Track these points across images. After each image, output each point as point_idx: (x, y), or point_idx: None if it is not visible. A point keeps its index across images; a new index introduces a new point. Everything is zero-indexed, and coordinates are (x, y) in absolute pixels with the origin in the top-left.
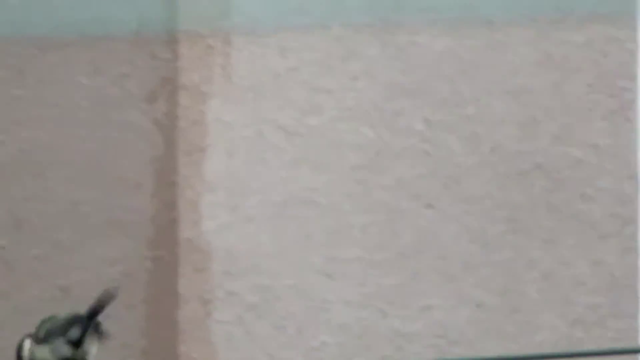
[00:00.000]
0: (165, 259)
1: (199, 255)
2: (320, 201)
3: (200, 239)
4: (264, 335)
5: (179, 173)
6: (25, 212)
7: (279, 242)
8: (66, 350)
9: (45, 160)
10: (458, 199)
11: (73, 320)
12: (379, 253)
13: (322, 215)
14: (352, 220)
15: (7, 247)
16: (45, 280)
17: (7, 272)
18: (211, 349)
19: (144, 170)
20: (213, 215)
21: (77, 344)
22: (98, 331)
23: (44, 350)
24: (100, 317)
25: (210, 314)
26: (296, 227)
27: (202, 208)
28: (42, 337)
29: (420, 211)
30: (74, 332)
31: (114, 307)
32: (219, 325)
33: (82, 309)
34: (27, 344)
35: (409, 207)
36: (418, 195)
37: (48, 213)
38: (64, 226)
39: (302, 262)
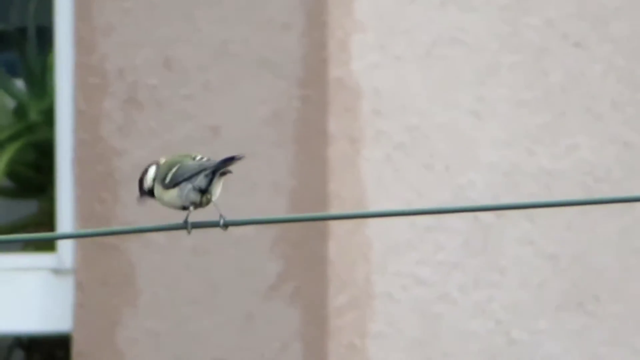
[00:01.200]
0: (315, 98)
1: (348, 95)
2: (468, 41)
3: (349, 78)
4: (412, 174)
5: (329, 13)
6: (176, 52)
7: (428, 82)
8: (194, 196)
9: (195, 0)
10: (606, 39)
11: (200, 170)
12: (527, 92)
13: (470, 55)
14: (501, 59)
15: (157, 87)
16: (195, 120)
17: (157, 111)
18: (360, 187)
19: (294, 10)
20: (362, 54)
21: (203, 191)
22: (224, 174)
23: (172, 193)
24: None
25: (359, 153)
26: (444, 66)
27: (351, 48)
28: (169, 182)
29: (568, 50)
30: (202, 182)
31: (263, 145)
32: (367, 164)
33: (231, 149)
34: (152, 171)
35: (557, 47)
36: (566, 34)
37: (198, 53)
38: (214, 66)
39: (451, 101)
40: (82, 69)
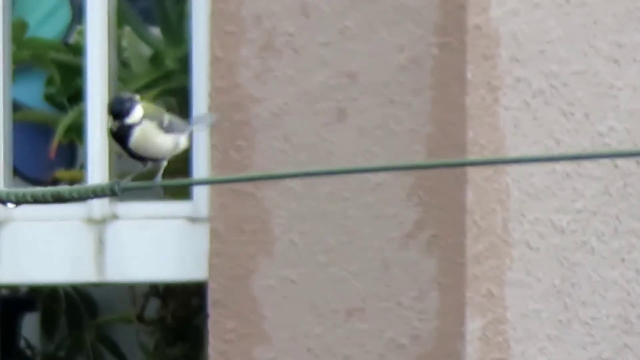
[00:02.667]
0: (453, 45)
1: (486, 42)
2: None
3: (488, 25)
4: (550, 121)
5: None
6: None
7: (566, 28)
8: (175, 150)
9: None
10: None
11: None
12: None
13: (609, 1)
14: None
15: (294, 34)
16: (332, 67)
17: (295, 58)
18: (498, 134)
19: None
20: (501, 1)
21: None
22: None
23: (167, 139)
24: None
25: (497, 100)
26: (583, 13)
27: None
28: (168, 127)
29: None
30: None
31: (400, 93)
32: (506, 112)
33: (368, 96)
34: (140, 109)
35: None
36: None
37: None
38: (351, 13)
39: (590, 47)
40: (219, 16)
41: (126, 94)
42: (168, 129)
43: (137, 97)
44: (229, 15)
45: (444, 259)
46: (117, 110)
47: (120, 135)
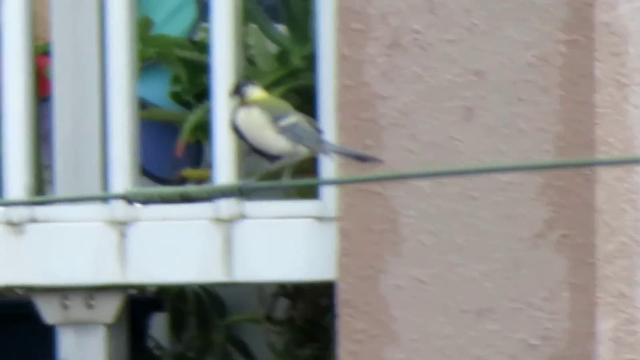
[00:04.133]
0: (581, 43)
1: (615, 39)
2: None
3: (616, 22)
4: None
5: None
6: None
7: None
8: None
9: None
10: None
11: (317, 143)
12: None
13: None
14: None
15: (421, 32)
16: (459, 65)
17: (421, 56)
18: (628, 133)
19: None
20: None
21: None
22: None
23: (279, 138)
24: None
25: (627, 98)
26: None
27: None
28: (284, 128)
29: None
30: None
31: (528, 91)
32: (635, 110)
33: (496, 94)
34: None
35: None
36: None
37: None
38: (478, 10)
39: None
40: (345, 13)
41: (246, 79)
42: (284, 130)
43: (257, 84)
44: (355, 13)
45: (574, 259)
46: (231, 89)
47: (233, 116)
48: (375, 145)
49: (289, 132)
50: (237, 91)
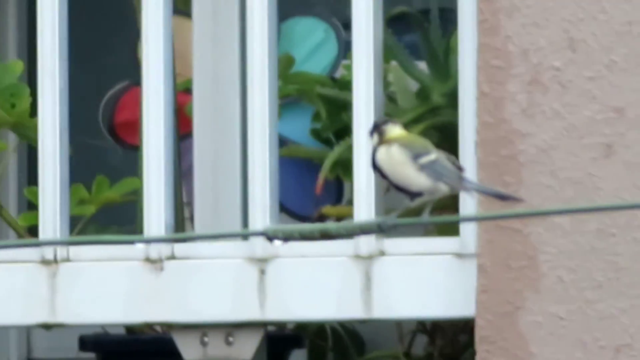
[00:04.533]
0: None
1: None
2: None
3: None
4: None
5: None
6: (580, 33)
7: None
8: (433, 195)
9: None
10: None
11: (458, 182)
12: None
13: None
14: None
15: (561, 69)
16: (598, 101)
17: (561, 93)
18: None
19: None
20: None
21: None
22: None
23: (420, 175)
24: None
25: None
26: None
27: None
28: (425, 165)
29: None
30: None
31: None
32: None
33: (636, 130)
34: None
35: None
36: None
37: (603, 33)
38: (618, 47)
39: None
40: (485, 50)
41: (387, 117)
42: (424, 167)
43: (397, 122)
44: (496, 50)
45: None
46: (371, 127)
47: (373, 154)
48: (514, 182)
49: (429, 169)
50: (376, 129)
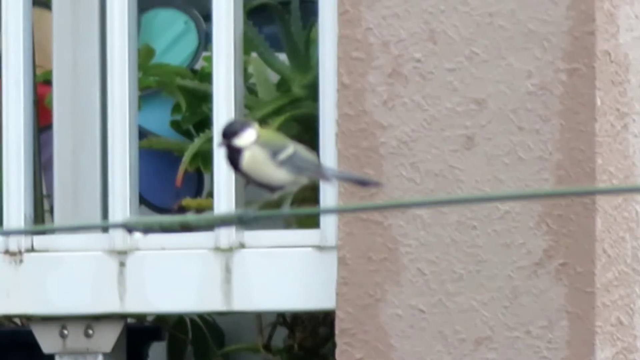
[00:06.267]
0: (582, 72)
1: (615, 68)
2: None
3: (617, 51)
4: None
5: None
6: (441, 24)
7: None
8: (294, 187)
9: None
10: None
11: (317, 171)
12: None
13: None
14: None
15: (422, 60)
16: (459, 93)
17: (422, 84)
18: (628, 162)
19: None
20: (630, 27)
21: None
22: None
23: (279, 171)
24: None
25: (627, 127)
26: None
27: (619, 20)
28: (283, 161)
29: None
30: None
31: (528, 120)
32: (636, 139)
33: (496, 122)
34: (253, 134)
35: None
36: None
37: (463, 25)
38: (479, 39)
39: None
40: (346, 42)
41: (242, 119)
42: (283, 162)
43: (254, 123)
44: (357, 42)
45: (573, 288)
46: (226, 131)
47: (231, 158)
48: (375, 174)
49: (288, 163)
50: (231, 135)
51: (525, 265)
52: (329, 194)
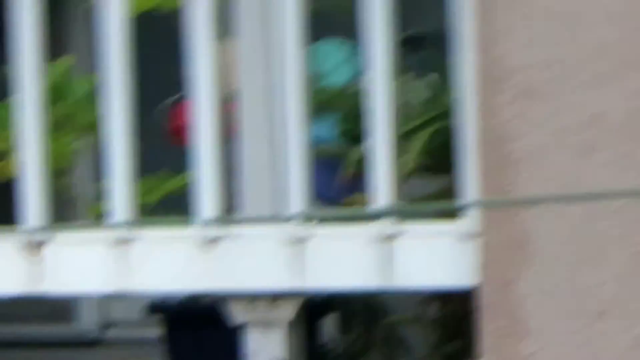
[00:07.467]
0: None
1: None
2: None
3: None
4: None
5: None
6: (561, 52)
7: None
8: None
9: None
10: None
11: None
12: None
13: None
14: None
15: (549, 81)
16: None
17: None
18: None
19: None
20: None
21: None
22: None
23: None
24: None
25: None
26: None
27: None
28: None
29: None
30: None
31: None
32: None
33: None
34: None
35: None
36: None
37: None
38: (593, 65)
39: None
40: (482, 67)
41: None
42: None
43: None
44: (492, 67)
45: None
46: None
47: None
48: (510, 184)
49: None
50: None
51: None
52: (470, 191)
